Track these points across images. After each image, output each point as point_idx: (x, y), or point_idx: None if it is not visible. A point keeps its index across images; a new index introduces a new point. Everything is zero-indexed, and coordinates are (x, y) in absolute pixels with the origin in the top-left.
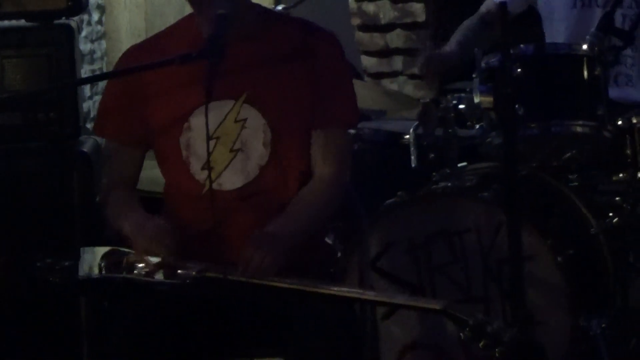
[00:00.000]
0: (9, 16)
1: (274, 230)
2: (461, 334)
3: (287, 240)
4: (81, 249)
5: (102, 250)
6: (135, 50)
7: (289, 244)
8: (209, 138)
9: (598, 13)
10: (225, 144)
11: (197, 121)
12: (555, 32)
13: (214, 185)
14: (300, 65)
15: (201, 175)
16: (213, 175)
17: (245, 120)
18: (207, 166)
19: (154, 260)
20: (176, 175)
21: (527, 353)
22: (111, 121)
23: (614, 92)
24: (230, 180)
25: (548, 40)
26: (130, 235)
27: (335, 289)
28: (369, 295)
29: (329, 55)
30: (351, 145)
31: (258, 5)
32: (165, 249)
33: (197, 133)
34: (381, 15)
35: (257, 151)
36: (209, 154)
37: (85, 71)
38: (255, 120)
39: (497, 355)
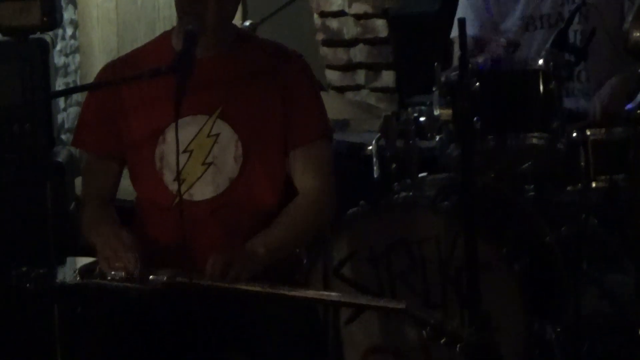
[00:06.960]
0: None
1: (249, 247)
2: (423, 332)
3: (260, 257)
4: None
5: (83, 260)
6: (111, 66)
7: (264, 261)
8: (178, 151)
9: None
10: (198, 158)
11: (172, 134)
12: None
13: (185, 196)
14: (270, 84)
15: (173, 186)
16: (184, 187)
17: (218, 135)
18: (178, 177)
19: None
20: (149, 186)
21: (485, 349)
22: (89, 134)
23: (570, 103)
24: (201, 191)
25: None
26: (97, 246)
27: (300, 292)
28: (333, 296)
29: (297, 75)
30: (331, 155)
31: (233, 24)
32: (127, 260)
33: (171, 146)
34: (345, 31)
35: (228, 165)
36: (179, 166)
37: (59, 84)
38: (227, 135)
39: (458, 350)
